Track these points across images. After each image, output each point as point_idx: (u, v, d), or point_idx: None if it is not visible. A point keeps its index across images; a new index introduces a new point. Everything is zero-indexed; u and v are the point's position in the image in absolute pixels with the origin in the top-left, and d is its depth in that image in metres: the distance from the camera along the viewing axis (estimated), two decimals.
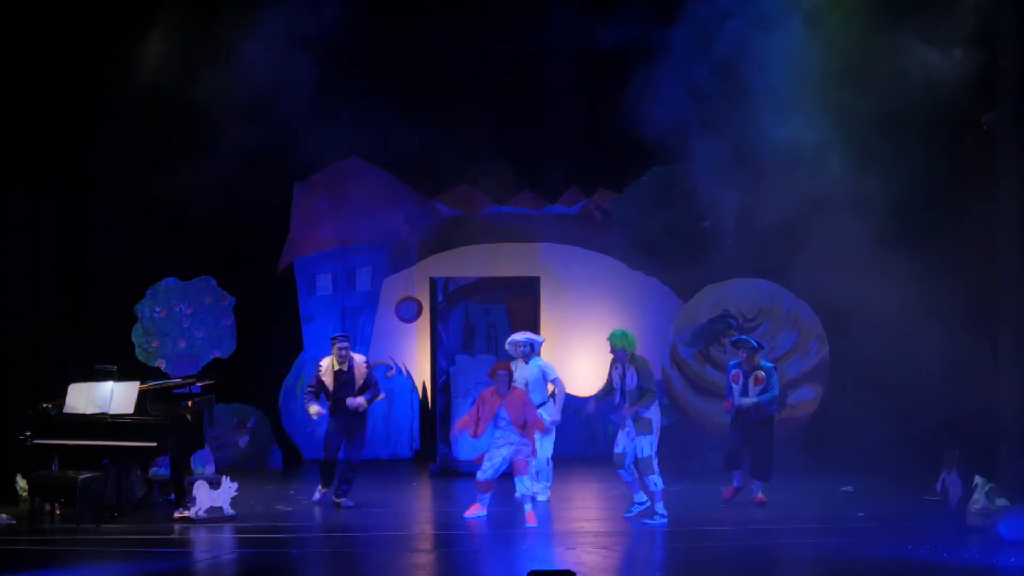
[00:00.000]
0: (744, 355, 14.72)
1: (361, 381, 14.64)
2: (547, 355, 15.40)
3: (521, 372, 14.67)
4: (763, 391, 14.58)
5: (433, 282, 17.25)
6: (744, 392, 14.62)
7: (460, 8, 16.73)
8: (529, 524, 13.56)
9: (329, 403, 14.70)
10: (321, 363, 14.82)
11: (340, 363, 14.67)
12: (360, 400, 14.61)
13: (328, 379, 14.65)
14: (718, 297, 17.73)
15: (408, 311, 18.07)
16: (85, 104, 16.40)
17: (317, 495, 14.82)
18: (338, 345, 14.71)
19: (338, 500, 14.60)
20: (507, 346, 14.95)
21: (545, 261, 18.00)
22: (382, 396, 15.16)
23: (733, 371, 14.78)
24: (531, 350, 14.81)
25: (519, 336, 14.89)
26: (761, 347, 15.05)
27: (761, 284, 17.65)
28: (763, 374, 14.64)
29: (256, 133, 16.55)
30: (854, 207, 15.42)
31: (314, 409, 14.70)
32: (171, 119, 16.24)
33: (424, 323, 17.78)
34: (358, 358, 14.79)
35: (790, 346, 17.59)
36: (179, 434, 14.18)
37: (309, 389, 14.84)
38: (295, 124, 16.30)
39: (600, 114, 16.65)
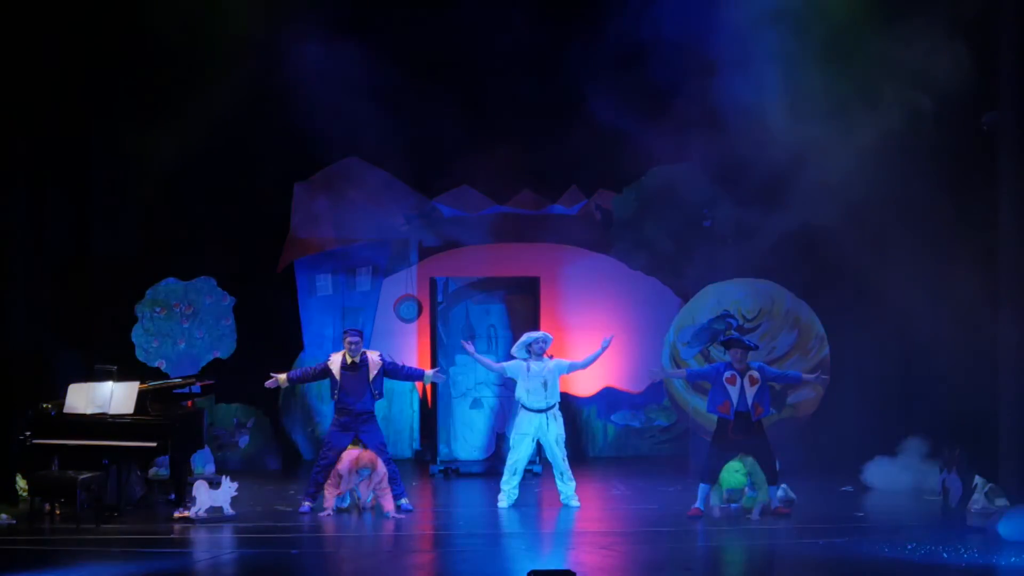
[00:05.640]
0: (738, 355, 14.57)
1: (374, 374, 14.38)
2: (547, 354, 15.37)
3: (540, 369, 14.62)
4: (759, 392, 14.47)
5: (433, 282, 17.23)
6: (741, 393, 14.46)
7: (460, 8, 16.71)
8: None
9: (334, 399, 14.40)
10: (332, 355, 14.56)
11: (352, 357, 14.42)
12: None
13: (335, 368, 14.31)
14: (718, 297, 17.69)
15: (408, 311, 18.06)
16: (85, 104, 16.39)
17: (308, 507, 14.27)
18: (348, 339, 14.44)
19: (398, 504, 14.34)
20: (517, 349, 14.74)
21: (545, 261, 17.98)
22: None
23: (728, 373, 14.45)
24: (546, 345, 14.78)
25: (537, 332, 14.85)
26: (756, 347, 14.94)
27: (761, 284, 17.60)
28: (757, 374, 14.46)
29: (257, 132, 16.59)
30: (854, 207, 15.41)
31: (281, 377, 14.52)
32: (171, 119, 16.22)
33: (424, 323, 17.77)
34: (373, 355, 14.49)
35: (790, 346, 17.54)
36: (179, 434, 14.18)
37: (301, 369, 14.76)
38: (296, 123, 16.29)
39: (600, 114, 16.63)
